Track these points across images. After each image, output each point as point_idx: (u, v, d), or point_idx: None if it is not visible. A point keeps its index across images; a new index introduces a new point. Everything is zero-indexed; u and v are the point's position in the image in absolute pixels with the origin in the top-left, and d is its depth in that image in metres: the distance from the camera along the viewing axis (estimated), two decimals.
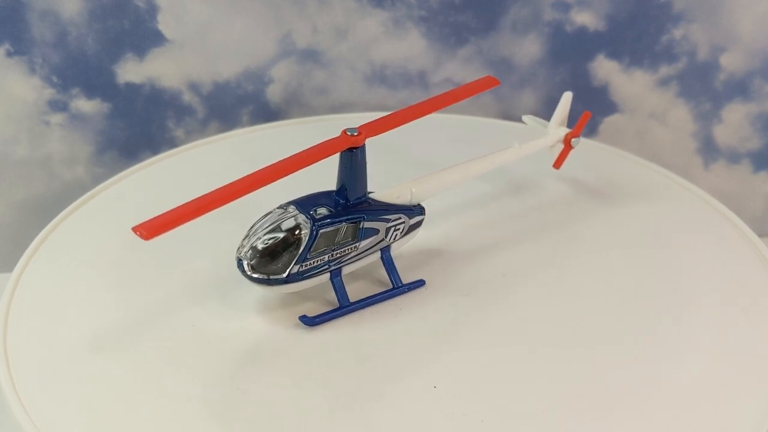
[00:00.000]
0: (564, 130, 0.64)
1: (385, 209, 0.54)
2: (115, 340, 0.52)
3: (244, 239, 0.52)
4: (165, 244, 0.60)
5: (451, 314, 0.54)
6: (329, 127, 0.67)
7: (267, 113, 0.83)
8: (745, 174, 0.90)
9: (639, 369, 0.51)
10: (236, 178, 0.64)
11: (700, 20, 0.81)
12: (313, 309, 0.54)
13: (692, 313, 0.55)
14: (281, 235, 0.51)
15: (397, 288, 0.55)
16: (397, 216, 0.54)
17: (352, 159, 0.52)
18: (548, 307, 0.56)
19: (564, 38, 0.82)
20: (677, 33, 0.82)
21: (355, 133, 0.51)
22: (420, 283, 0.56)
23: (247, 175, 0.48)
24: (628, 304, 0.56)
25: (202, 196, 0.47)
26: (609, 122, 0.87)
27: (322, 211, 0.52)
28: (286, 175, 0.48)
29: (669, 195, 0.69)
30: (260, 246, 0.51)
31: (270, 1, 0.78)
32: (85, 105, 0.80)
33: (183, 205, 0.46)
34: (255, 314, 0.54)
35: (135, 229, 0.45)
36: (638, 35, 0.82)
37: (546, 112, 0.86)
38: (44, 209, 0.79)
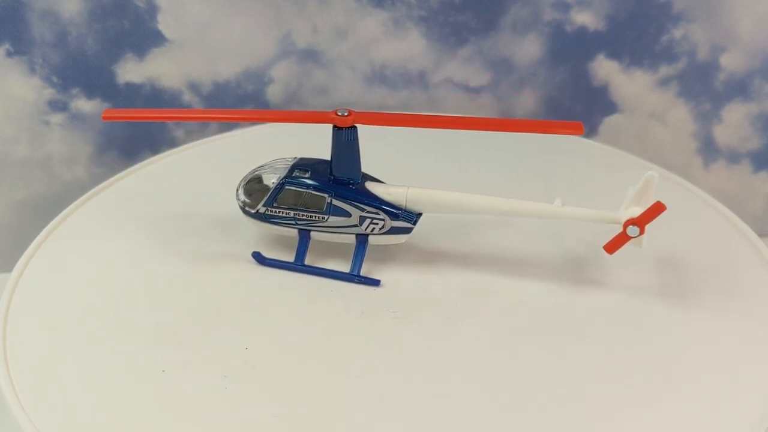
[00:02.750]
0: (631, 212, 0.53)
1: (364, 198, 0.56)
2: (114, 340, 0.52)
3: (255, 169, 0.58)
4: (165, 244, 0.60)
5: (355, 321, 0.54)
6: (329, 127, 0.67)
7: None
8: (745, 174, 0.90)
9: (637, 369, 0.51)
10: (236, 179, 0.65)
11: (700, 20, 0.81)
12: (282, 256, 0.58)
13: (692, 313, 0.55)
14: (269, 177, 0.57)
15: (349, 275, 0.57)
16: (374, 210, 0.56)
17: (337, 137, 0.55)
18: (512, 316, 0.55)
19: (564, 38, 0.82)
20: (677, 33, 0.82)
21: (345, 114, 0.54)
22: (374, 282, 0.57)
23: (227, 110, 0.55)
24: (626, 305, 0.56)
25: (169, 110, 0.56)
26: (609, 122, 0.87)
27: (305, 173, 0.56)
28: (262, 121, 0.55)
29: (668, 195, 0.69)
30: (251, 179, 0.58)
31: (270, 1, 0.78)
32: (85, 105, 0.80)
33: (149, 110, 0.56)
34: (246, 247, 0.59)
35: (105, 111, 0.56)
36: (638, 35, 0.82)
37: (546, 112, 0.86)
38: (44, 209, 0.79)
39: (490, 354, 0.52)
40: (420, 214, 0.56)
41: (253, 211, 0.57)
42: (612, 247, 0.54)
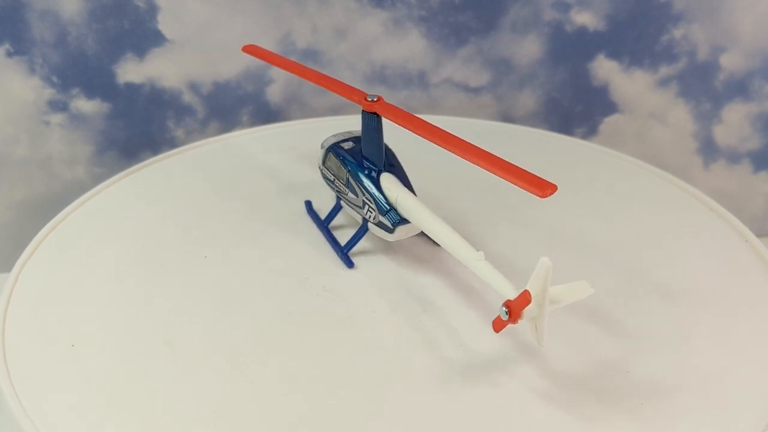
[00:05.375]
0: (517, 292, 0.46)
1: (368, 184, 0.57)
2: (113, 339, 0.52)
3: (346, 132, 0.62)
4: (165, 244, 0.61)
5: (292, 282, 0.57)
6: (329, 127, 0.67)
7: (267, 113, 0.84)
8: (745, 174, 0.90)
9: (637, 370, 0.51)
10: (235, 179, 0.65)
11: (700, 20, 0.81)
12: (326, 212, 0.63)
13: (691, 314, 0.55)
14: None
15: (339, 248, 0.60)
16: (370, 198, 0.57)
17: (362, 119, 0.57)
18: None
19: (564, 38, 0.82)
20: (677, 33, 0.82)
21: (373, 100, 0.55)
22: (349, 264, 0.59)
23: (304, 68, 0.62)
24: (626, 306, 0.56)
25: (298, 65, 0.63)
26: (609, 122, 0.87)
27: (349, 146, 0.59)
28: (315, 84, 0.61)
29: (667, 197, 0.69)
30: (336, 135, 0.62)
31: (270, 1, 0.78)
32: (85, 105, 0.80)
33: (283, 58, 0.64)
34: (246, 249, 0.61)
35: (246, 46, 0.65)
36: (638, 35, 0.82)
37: (546, 112, 0.86)
38: (44, 209, 0.79)
39: (352, 361, 0.51)
40: (405, 221, 0.56)
41: (318, 166, 0.62)
42: (496, 325, 0.47)
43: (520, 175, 0.47)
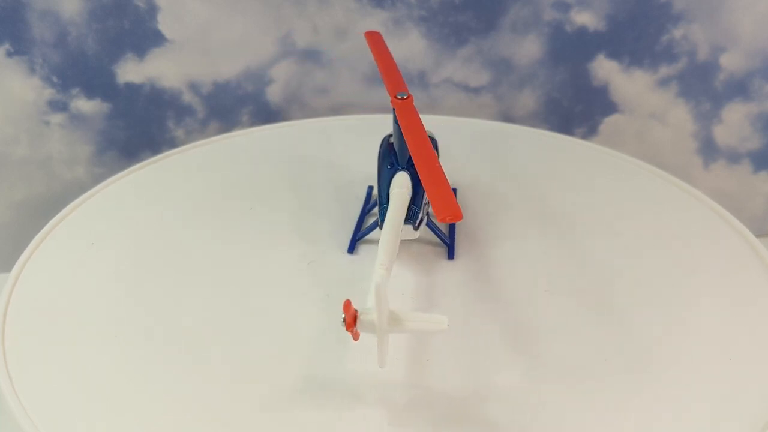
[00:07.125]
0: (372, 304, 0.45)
1: (381, 177, 0.58)
2: (113, 339, 0.52)
3: None
4: (165, 244, 0.61)
5: (292, 251, 0.59)
6: (329, 127, 0.67)
7: (267, 113, 0.84)
8: (745, 174, 0.90)
9: (637, 370, 0.51)
10: (236, 178, 0.65)
11: (700, 20, 0.81)
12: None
13: (691, 314, 0.55)
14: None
15: (355, 233, 0.61)
16: (378, 192, 0.58)
17: (393, 113, 0.57)
18: (530, 311, 0.55)
19: (564, 38, 0.82)
20: (677, 33, 0.82)
21: (404, 96, 0.56)
22: (350, 248, 0.60)
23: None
24: (626, 305, 0.56)
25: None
26: (609, 122, 0.87)
27: (393, 141, 0.60)
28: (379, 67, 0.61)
29: (667, 197, 0.69)
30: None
31: (270, 1, 0.78)
32: (85, 105, 0.80)
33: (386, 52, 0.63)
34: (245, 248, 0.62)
35: (370, 32, 0.66)
36: (638, 35, 0.82)
37: (546, 112, 0.86)
38: (44, 209, 0.79)
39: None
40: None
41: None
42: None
43: (439, 196, 0.47)
